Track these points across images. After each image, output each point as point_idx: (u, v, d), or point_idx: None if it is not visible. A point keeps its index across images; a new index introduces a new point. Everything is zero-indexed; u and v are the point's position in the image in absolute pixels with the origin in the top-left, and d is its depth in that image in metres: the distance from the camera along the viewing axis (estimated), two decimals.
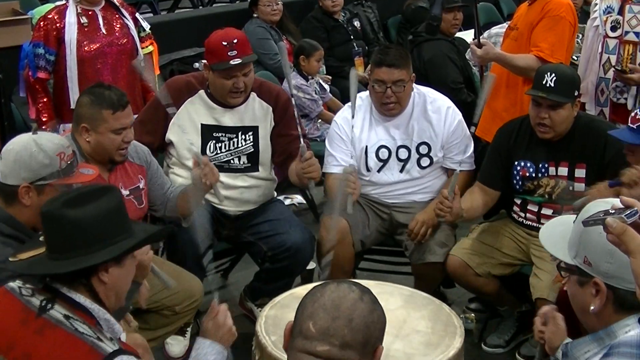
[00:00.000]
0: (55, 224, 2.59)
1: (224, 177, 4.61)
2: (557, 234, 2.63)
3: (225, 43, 4.51)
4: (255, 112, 4.77)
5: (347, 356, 2.08)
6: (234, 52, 4.50)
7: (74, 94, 5.18)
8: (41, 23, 5.28)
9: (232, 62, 4.50)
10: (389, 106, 4.74)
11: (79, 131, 4.00)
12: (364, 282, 3.80)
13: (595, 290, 2.41)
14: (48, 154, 3.30)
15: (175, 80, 4.94)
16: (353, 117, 4.57)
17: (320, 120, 7.05)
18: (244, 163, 4.77)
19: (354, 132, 4.74)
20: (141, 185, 4.25)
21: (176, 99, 4.64)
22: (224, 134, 4.72)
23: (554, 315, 2.88)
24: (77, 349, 2.49)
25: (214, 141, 4.71)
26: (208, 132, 4.71)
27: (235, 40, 4.53)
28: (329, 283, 2.19)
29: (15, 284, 2.67)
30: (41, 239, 2.70)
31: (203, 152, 4.66)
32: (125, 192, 4.10)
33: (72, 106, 5.15)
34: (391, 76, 4.66)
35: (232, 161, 4.74)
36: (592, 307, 2.42)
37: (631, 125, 3.93)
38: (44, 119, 5.26)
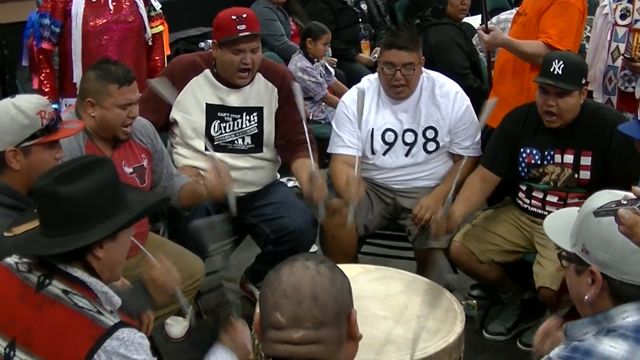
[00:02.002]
0: (48, 200, 2.57)
1: (227, 158, 4.60)
2: (561, 224, 2.62)
3: (234, 17, 4.53)
4: (261, 92, 4.75)
5: (324, 334, 2.03)
6: (243, 27, 4.51)
7: (77, 67, 5.18)
8: None
9: (240, 34, 4.50)
10: (397, 89, 4.71)
11: (84, 106, 3.97)
12: (366, 267, 3.81)
13: (590, 280, 2.41)
14: (28, 114, 3.26)
15: (181, 58, 4.94)
16: (359, 127, 4.57)
17: (324, 103, 7.03)
18: (247, 144, 4.74)
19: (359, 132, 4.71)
20: (145, 164, 4.22)
21: (182, 77, 4.65)
22: (228, 114, 4.70)
23: (556, 334, 2.87)
24: (77, 324, 2.49)
25: (218, 121, 4.68)
26: (212, 112, 4.69)
27: (244, 15, 4.55)
28: (282, 266, 2.13)
29: (12, 260, 2.67)
30: (36, 210, 2.68)
31: (207, 132, 4.66)
32: (129, 170, 4.09)
33: (75, 80, 5.15)
34: (401, 59, 4.63)
35: (236, 142, 4.72)
36: (586, 297, 2.41)
37: None
38: (45, 90, 5.23)
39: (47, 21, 5.20)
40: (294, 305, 2.03)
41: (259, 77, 4.74)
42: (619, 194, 2.36)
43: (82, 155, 3.89)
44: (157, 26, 5.57)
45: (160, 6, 5.63)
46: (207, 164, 4.34)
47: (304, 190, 4.52)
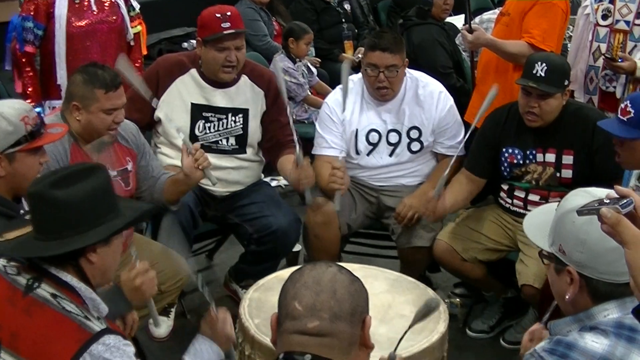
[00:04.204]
0: (43, 204, 2.57)
1: (211, 158, 4.61)
2: (540, 222, 2.64)
3: (218, 15, 4.55)
4: (247, 94, 4.76)
5: (338, 328, 2.07)
6: (227, 24, 4.53)
7: (60, 69, 5.17)
8: None
9: (225, 32, 4.52)
10: (381, 91, 4.72)
11: (70, 109, 3.96)
12: (349, 265, 3.81)
13: (569, 279, 2.43)
14: (11, 120, 3.23)
15: (166, 58, 4.95)
16: (344, 110, 4.55)
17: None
18: (232, 145, 4.75)
19: (344, 116, 4.71)
20: (129, 168, 4.21)
21: (167, 77, 4.67)
22: (213, 114, 4.71)
23: (541, 335, 2.91)
24: (64, 328, 2.48)
25: (203, 121, 4.69)
26: (197, 112, 4.69)
27: (228, 13, 4.58)
28: (305, 265, 2.20)
29: (0, 263, 2.66)
30: (27, 217, 2.67)
31: (192, 131, 4.67)
32: (113, 173, 4.06)
33: (59, 82, 5.14)
34: (384, 61, 4.64)
35: (220, 142, 4.73)
36: (566, 296, 2.44)
37: (621, 117, 3.89)
38: (29, 92, 5.22)
39: (30, 24, 5.19)
40: (313, 295, 2.09)
41: (245, 79, 4.76)
42: (593, 193, 2.39)
43: (68, 158, 3.90)
44: (135, 26, 5.57)
45: (139, 6, 5.63)
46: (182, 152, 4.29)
47: (289, 176, 4.54)
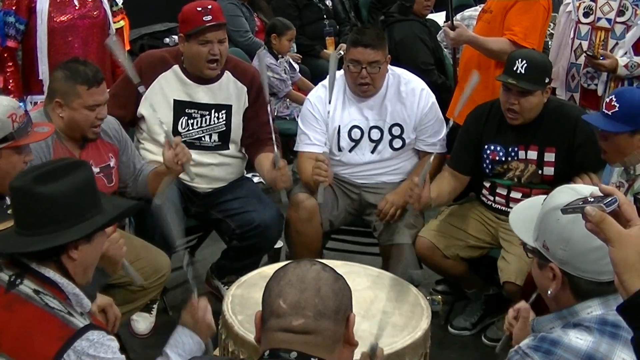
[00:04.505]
0: (26, 199, 2.56)
1: (194, 155, 4.61)
2: (525, 217, 2.65)
3: (199, 9, 4.56)
4: (230, 90, 4.76)
5: (323, 326, 2.08)
6: (209, 17, 4.54)
7: (42, 64, 5.15)
8: None
9: (207, 24, 4.52)
10: (363, 87, 4.72)
11: (52, 106, 3.94)
12: (331, 262, 3.81)
13: (552, 275, 2.45)
14: None
15: (149, 54, 4.93)
16: (330, 102, 4.55)
17: (288, 100, 7.03)
18: (214, 141, 4.75)
19: (330, 107, 4.70)
20: (112, 164, 4.21)
21: (149, 73, 4.65)
22: (196, 111, 4.70)
23: (526, 315, 2.92)
24: (48, 324, 2.47)
25: (186, 117, 4.69)
26: (180, 108, 4.69)
27: (209, 7, 4.58)
28: (289, 263, 2.21)
29: None
30: (9, 212, 2.66)
31: (175, 128, 4.67)
32: (95, 170, 4.05)
33: (40, 77, 5.12)
34: (367, 57, 4.64)
35: (203, 138, 4.73)
36: (549, 291, 2.45)
37: (606, 112, 3.89)
38: (10, 87, 5.19)
39: (11, 19, 5.16)
40: (297, 293, 2.10)
41: (228, 75, 4.75)
42: (579, 190, 2.40)
43: (50, 155, 3.89)
44: (118, 21, 5.56)
45: (121, 1, 5.62)
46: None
47: (266, 176, 4.54)
